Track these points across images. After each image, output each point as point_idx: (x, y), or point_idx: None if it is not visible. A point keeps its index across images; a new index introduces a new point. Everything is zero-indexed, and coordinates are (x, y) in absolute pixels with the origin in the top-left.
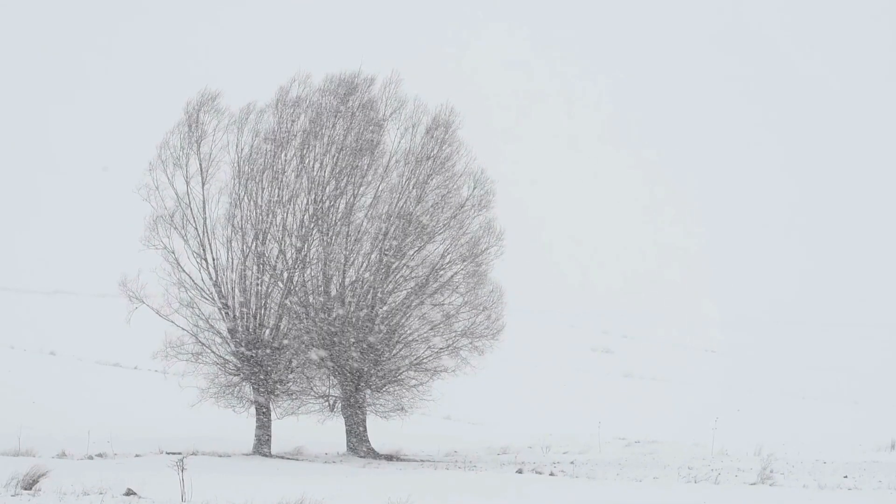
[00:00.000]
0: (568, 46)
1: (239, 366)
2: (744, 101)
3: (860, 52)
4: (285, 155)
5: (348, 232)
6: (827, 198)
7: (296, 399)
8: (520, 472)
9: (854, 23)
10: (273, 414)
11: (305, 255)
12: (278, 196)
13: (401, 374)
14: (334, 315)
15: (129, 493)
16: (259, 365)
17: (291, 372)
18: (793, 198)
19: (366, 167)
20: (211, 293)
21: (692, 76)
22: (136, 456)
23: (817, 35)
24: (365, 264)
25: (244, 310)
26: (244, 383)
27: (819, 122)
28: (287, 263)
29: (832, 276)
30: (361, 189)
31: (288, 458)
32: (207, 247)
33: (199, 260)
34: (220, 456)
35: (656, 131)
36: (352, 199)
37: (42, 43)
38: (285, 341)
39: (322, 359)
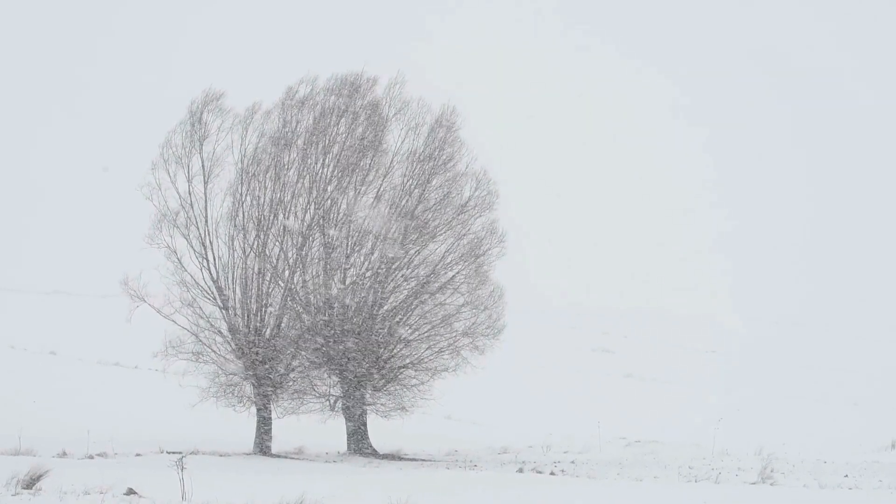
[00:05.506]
0: (590, 44)
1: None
2: (754, 104)
3: (885, 66)
4: (289, 154)
5: (350, 231)
6: (830, 199)
7: (296, 398)
8: (520, 471)
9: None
10: (274, 413)
11: (306, 255)
12: (280, 195)
13: (401, 373)
14: (335, 314)
15: (130, 492)
16: (260, 364)
17: (292, 371)
18: (795, 199)
19: (368, 167)
20: (212, 292)
21: (703, 77)
22: (137, 455)
23: (848, 48)
24: (366, 264)
25: (245, 309)
26: (245, 383)
27: (837, 128)
28: (288, 263)
29: (833, 277)
30: (363, 189)
31: (288, 458)
32: (209, 246)
33: (200, 259)
34: (221, 455)
35: (662, 131)
36: (353, 199)
37: (42, 42)
38: (286, 341)
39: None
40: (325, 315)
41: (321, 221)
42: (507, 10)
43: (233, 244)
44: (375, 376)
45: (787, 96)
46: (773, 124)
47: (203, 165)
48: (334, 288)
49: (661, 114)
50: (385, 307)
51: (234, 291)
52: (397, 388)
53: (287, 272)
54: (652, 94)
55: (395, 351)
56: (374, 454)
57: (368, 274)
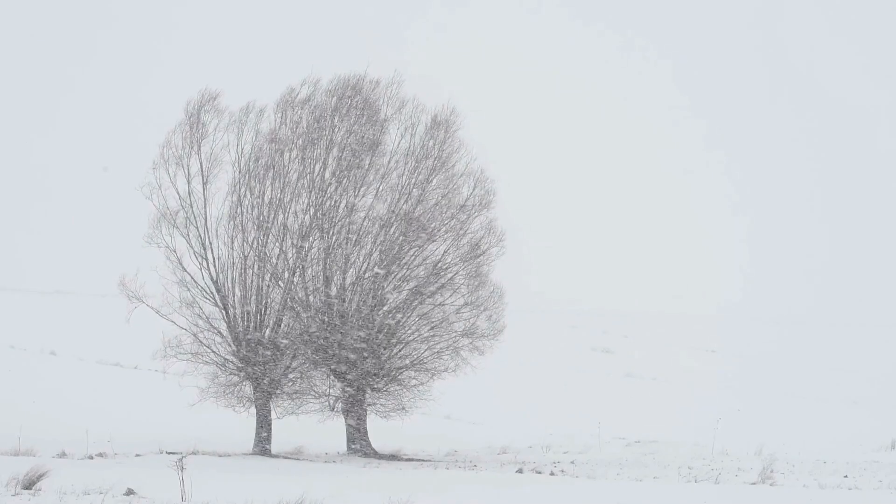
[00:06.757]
0: (592, 43)
1: (239, 365)
2: (758, 103)
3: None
4: (289, 155)
5: (349, 232)
6: (832, 199)
7: (296, 399)
8: (520, 471)
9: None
10: (273, 413)
11: (306, 255)
12: (280, 196)
13: (401, 373)
14: (335, 315)
15: (130, 492)
16: (259, 364)
17: (291, 371)
18: (796, 199)
19: (366, 167)
20: (212, 292)
21: (707, 76)
22: (137, 455)
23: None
24: (365, 265)
25: (244, 309)
26: (244, 383)
27: (840, 126)
28: (288, 263)
29: (832, 276)
30: (362, 189)
31: (288, 458)
32: (209, 246)
33: (200, 259)
34: (220, 455)
35: (663, 130)
36: (352, 200)
37: (41, 41)
38: (285, 341)
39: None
40: (324, 315)
41: (321, 223)
42: (507, 9)
43: (232, 244)
44: (375, 377)
45: (788, 95)
46: (776, 123)
47: (201, 166)
48: (333, 288)
49: (663, 113)
50: (384, 308)
51: (234, 291)
52: (397, 388)
53: (287, 273)
54: (654, 93)
55: (394, 351)
56: (374, 454)
57: (367, 275)
